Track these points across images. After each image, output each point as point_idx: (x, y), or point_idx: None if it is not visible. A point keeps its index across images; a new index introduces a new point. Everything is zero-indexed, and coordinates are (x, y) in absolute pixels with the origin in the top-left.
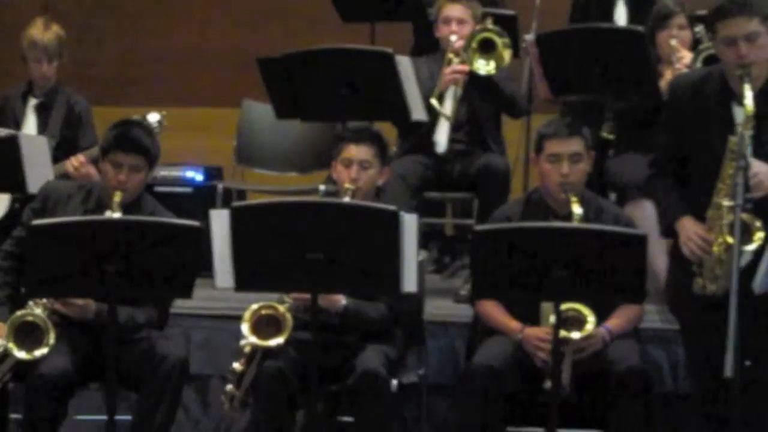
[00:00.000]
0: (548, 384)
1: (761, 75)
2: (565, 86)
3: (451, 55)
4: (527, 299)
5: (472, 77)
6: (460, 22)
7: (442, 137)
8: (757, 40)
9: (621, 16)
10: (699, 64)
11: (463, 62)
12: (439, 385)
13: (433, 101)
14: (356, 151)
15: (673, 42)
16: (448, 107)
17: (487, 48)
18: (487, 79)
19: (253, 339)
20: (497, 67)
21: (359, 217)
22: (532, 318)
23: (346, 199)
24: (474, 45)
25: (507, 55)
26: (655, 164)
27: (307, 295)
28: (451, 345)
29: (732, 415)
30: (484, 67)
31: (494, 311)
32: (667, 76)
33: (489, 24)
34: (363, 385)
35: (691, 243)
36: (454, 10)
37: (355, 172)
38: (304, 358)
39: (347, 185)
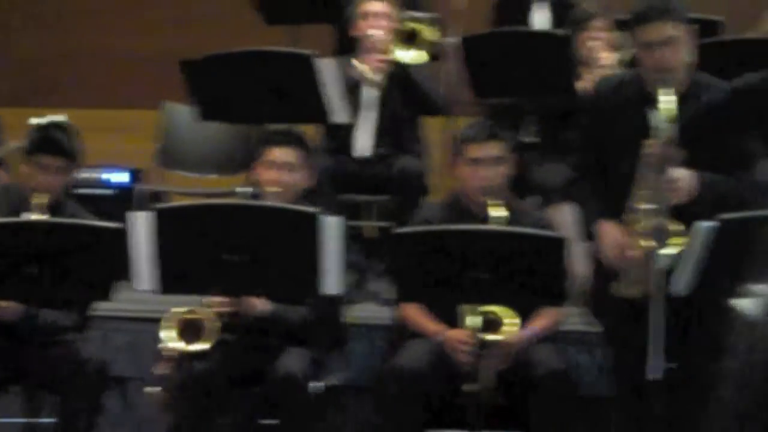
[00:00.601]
0: (469, 386)
1: (680, 80)
2: (489, 89)
3: (370, 45)
4: (448, 302)
5: (392, 75)
6: (379, 17)
7: (364, 140)
8: (675, 44)
9: (540, 19)
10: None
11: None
12: (361, 388)
13: (355, 62)
14: (279, 154)
15: (593, 44)
16: (372, 111)
17: (408, 40)
18: (406, 76)
19: (177, 344)
20: (423, 57)
21: (280, 220)
22: (452, 320)
23: (270, 202)
24: (395, 36)
25: (430, 34)
26: (577, 167)
27: (228, 299)
28: (373, 347)
29: (654, 416)
30: (405, 57)
31: (415, 314)
32: (586, 78)
33: (408, 14)
34: (284, 388)
35: (610, 248)
36: (373, 6)
37: (278, 174)
38: (226, 360)
39: (271, 188)
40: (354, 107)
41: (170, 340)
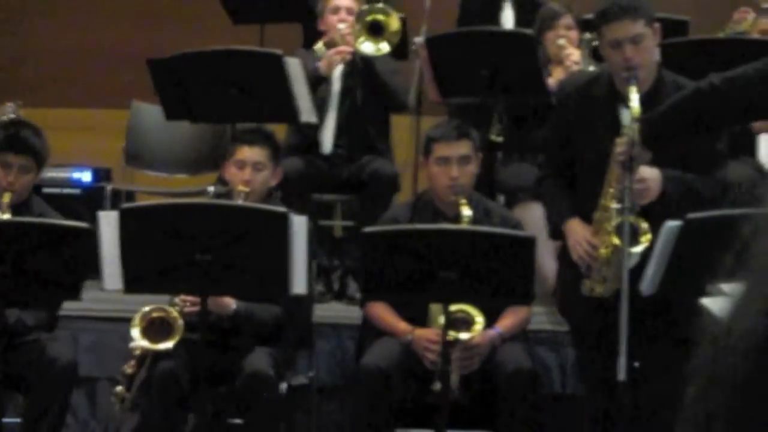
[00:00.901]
0: (437, 385)
1: (647, 77)
2: (455, 88)
3: (336, 37)
4: (416, 301)
5: (355, 69)
6: (349, 11)
7: (327, 137)
8: (643, 42)
9: (508, 19)
10: (588, 59)
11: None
12: (328, 387)
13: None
14: (249, 153)
15: (561, 41)
16: (333, 105)
17: (375, 31)
18: (369, 66)
19: (143, 342)
20: (389, 48)
21: (249, 219)
22: (421, 319)
23: (239, 201)
24: (361, 25)
25: (395, 24)
26: (544, 166)
27: (196, 298)
28: (340, 347)
29: (621, 416)
30: (370, 49)
31: (383, 313)
32: (556, 75)
33: (376, 5)
34: (251, 387)
35: (578, 246)
36: (344, 1)
37: (248, 173)
38: (194, 359)
39: (240, 187)
40: (319, 104)
41: (138, 339)
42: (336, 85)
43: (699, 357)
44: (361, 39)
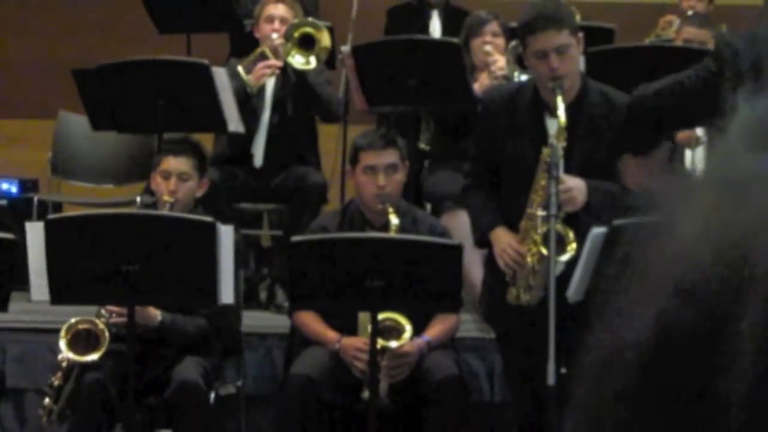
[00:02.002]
0: (366, 394)
1: (572, 86)
2: (382, 97)
3: (266, 49)
4: (345, 310)
5: (287, 81)
6: (283, 21)
7: (258, 150)
8: (567, 52)
9: (435, 27)
10: (513, 65)
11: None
12: (257, 396)
13: (240, 69)
14: (175, 163)
15: (487, 48)
16: (265, 116)
17: (306, 44)
18: (301, 78)
19: (70, 354)
20: (317, 62)
21: (176, 229)
22: (350, 328)
23: (165, 211)
24: (293, 39)
25: (325, 40)
26: (470, 175)
27: (123, 309)
28: (269, 356)
29: (549, 422)
30: (300, 62)
31: (312, 322)
32: (483, 81)
33: (308, 18)
34: (181, 397)
35: (505, 255)
36: (278, 9)
37: (174, 184)
38: (121, 370)
39: (166, 197)
40: (249, 116)
41: (65, 350)
42: (268, 98)
43: (585, 355)
44: (292, 52)
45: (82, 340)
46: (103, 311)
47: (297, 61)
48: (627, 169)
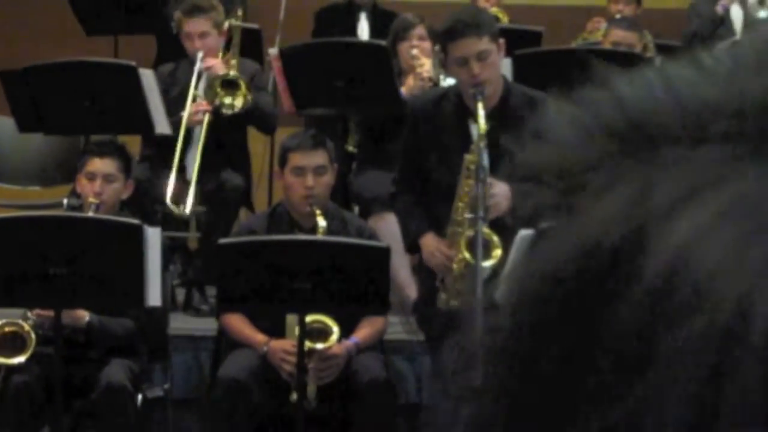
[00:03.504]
0: (294, 396)
1: (495, 92)
2: (309, 100)
3: (194, 90)
4: (272, 312)
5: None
6: (203, 36)
7: (192, 163)
8: (488, 58)
9: (363, 30)
10: (439, 69)
11: (208, 99)
12: (184, 399)
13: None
14: (100, 165)
15: (414, 51)
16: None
17: (230, 86)
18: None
19: None
20: (243, 105)
21: (102, 231)
22: (277, 330)
23: (90, 213)
24: (216, 86)
25: (247, 94)
26: (398, 181)
27: (50, 312)
28: (196, 358)
29: None
30: (229, 105)
31: (239, 324)
32: (409, 83)
33: (231, 60)
34: (107, 400)
35: (434, 258)
36: (194, 25)
37: (99, 185)
38: (48, 373)
39: (91, 199)
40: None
41: None
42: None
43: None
44: (219, 95)
45: (8, 343)
46: (29, 313)
47: (227, 104)
48: None
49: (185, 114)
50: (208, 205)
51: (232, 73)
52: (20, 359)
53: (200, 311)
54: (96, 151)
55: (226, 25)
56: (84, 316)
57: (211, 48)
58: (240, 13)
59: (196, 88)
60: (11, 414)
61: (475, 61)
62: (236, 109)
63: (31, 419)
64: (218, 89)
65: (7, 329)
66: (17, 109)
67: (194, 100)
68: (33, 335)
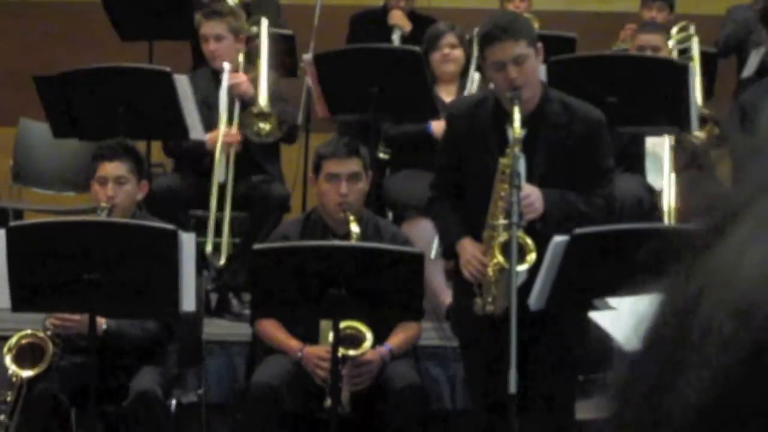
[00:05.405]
0: (328, 402)
1: (532, 96)
2: (343, 106)
3: (223, 115)
4: (306, 318)
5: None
6: (218, 38)
7: (221, 164)
8: (526, 62)
9: (398, 35)
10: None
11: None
12: (218, 404)
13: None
14: (110, 168)
15: (447, 59)
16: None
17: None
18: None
19: (14, 369)
20: (271, 131)
21: (137, 236)
22: (312, 337)
23: (102, 217)
24: (251, 117)
25: (276, 128)
26: (435, 187)
27: (69, 319)
28: (230, 364)
29: (509, 431)
30: (258, 132)
31: (273, 330)
32: (443, 93)
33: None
34: (139, 406)
35: (470, 265)
36: (210, 27)
37: (111, 189)
38: (78, 380)
39: (103, 204)
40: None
41: (10, 366)
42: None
43: (611, 369)
44: (254, 122)
45: (28, 354)
46: (47, 323)
47: (260, 130)
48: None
49: (219, 136)
50: (248, 211)
51: (266, 108)
52: (39, 369)
53: (241, 316)
54: (105, 155)
55: (251, 31)
56: (101, 323)
57: (225, 52)
58: (263, 20)
59: (229, 111)
60: (36, 422)
61: (511, 65)
62: (264, 135)
63: (59, 427)
64: (253, 119)
65: (24, 341)
66: (52, 115)
67: (227, 115)
68: (50, 345)
